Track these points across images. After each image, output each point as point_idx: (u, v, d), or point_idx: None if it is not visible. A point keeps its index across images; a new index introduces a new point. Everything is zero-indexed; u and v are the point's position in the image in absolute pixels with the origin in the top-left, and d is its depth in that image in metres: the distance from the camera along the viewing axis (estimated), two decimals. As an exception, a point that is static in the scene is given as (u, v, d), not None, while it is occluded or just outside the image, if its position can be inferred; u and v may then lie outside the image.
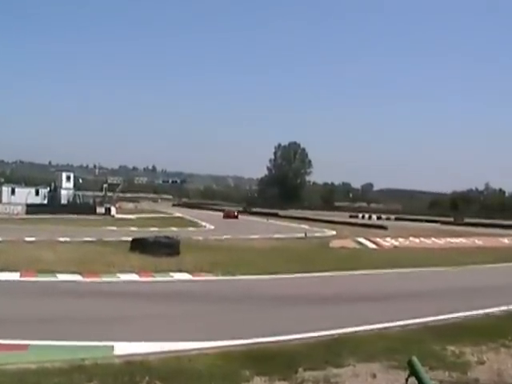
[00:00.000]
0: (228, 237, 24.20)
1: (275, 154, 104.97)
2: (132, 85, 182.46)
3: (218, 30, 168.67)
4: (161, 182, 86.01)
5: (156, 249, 15.28)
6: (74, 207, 41.64)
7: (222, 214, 52.55)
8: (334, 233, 30.16)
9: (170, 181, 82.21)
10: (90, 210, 41.96)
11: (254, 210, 73.43)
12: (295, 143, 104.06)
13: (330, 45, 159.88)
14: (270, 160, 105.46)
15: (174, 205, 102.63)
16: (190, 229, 30.32)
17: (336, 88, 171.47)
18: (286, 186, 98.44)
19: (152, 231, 22.57)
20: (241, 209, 77.67)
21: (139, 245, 15.81)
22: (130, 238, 17.34)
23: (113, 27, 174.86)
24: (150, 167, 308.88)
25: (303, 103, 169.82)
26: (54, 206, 41.33)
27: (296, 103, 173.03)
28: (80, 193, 48.24)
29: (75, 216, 37.47)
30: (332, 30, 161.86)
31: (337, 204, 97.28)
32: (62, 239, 18.98)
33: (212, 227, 33.24)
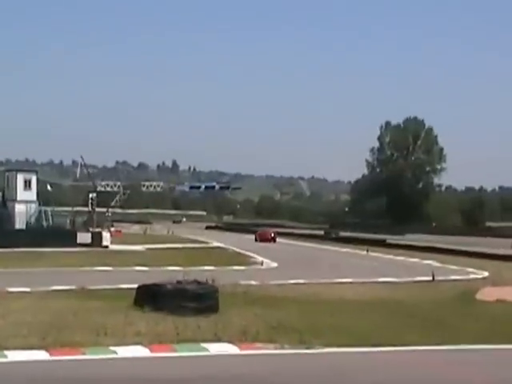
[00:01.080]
0: (301, 281, 24.44)
1: (380, 139, 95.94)
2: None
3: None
4: (187, 188, 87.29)
5: (178, 302, 15.36)
6: (37, 233, 42.72)
7: (290, 242, 57.79)
8: (484, 274, 29.91)
9: (203, 187, 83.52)
10: (66, 237, 42.86)
11: (344, 234, 73.32)
12: (416, 120, 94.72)
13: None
14: (372, 150, 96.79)
15: (208, 227, 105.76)
16: (237, 268, 31.14)
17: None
18: (399, 193, 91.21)
19: (171, 272, 22.64)
20: (321, 232, 77.65)
21: (150, 296, 15.89)
22: (134, 285, 17.52)
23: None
24: (169, 164, 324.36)
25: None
26: (1, 231, 42.92)
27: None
28: (49, 209, 48.91)
29: (40, 249, 38.35)
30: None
31: (489, 224, 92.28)
32: (16, 289, 19.67)
33: (274, 264, 34.08)
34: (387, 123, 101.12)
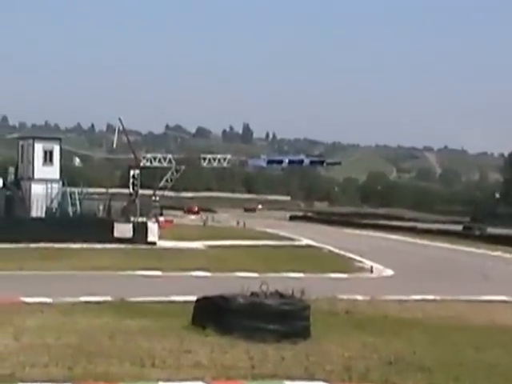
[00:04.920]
0: (429, 297, 24.23)
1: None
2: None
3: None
4: (263, 163, 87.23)
5: (253, 323, 15.53)
6: (61, 224, 44.59)
7: (407, 240, 57.17)
8: None
9: (287, 161, 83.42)
10: (98, 229, 44.59)
11: (493, 230, 71.70)
12: None
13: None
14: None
15: (293, 217, 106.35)
16: (335, 275, 31.34)
17: None
18: None
19: (243, 280, 22.63)
20: (459, 228, 75.97)
21: (214, 313, 16.06)
22: (192, 298, 17.78)
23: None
24: (238, 129, 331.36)
25: None
26: (13, 220, 44.87)
27: None
28: (76, 190, 50.77)
29: (64, 245, 39.72)
30: None
31: None
32: (33, 299, 20.14)
33: (388, 272, 34.16)
34: None
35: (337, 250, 45.03)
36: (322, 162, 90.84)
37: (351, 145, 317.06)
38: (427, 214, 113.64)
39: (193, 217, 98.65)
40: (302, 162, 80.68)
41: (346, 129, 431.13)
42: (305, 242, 53.47)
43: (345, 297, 22.57)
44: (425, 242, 60.13)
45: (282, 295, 16.70)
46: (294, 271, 29.99)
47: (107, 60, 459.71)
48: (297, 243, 52.41)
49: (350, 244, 50.13)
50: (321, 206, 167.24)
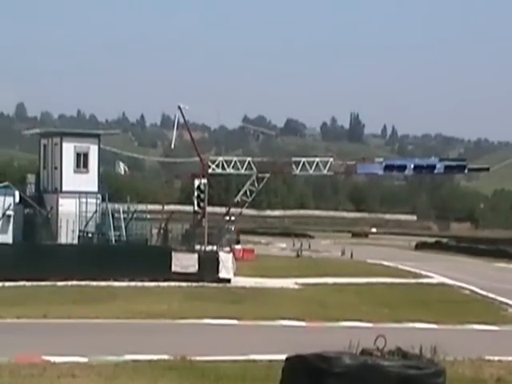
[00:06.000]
0: None
1: None
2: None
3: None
4: (379, 170, 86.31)
5: None
6: (99, 253, 45.29)
7: None
8: None
9: (412, 166, 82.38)
10: (151, 260, 45.12)
11: None
12: None
13: None
14: None
15: (421, 245, 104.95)
16: (479, 327, 31.14)
17: None
18: None
19: (350, 331, 22.68)
20: None
21: (311, 378, 15.91)
22: (280, 357, 17.68)
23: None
24: (343, 122, 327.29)
25: None
26: (35, 248, 45.34)
27: None
28: (121, 207, 52.79)
29: (104, 283, 40.70)
30: None
31: None
32: (61, 358, 20.49)
33: None
34: None
35: (483, 292, 44.41)
36: (462, 168, 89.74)
37: (503, 143, 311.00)
38: None
39: (282, 245, 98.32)
40: (433, 167, 79.60)
41: (495, 122, 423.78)
42: (437, 279, 53.01)
43: (495, 358, 22.38)
44: None
45: (405, 354, 16.63)
46: (421, 321, 29.91)
47: (163, 32, 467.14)
48: (426, 281, 51.96)
49: (502, 283, 49.35)
50: (460, 229, 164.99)
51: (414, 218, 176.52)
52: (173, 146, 72.89)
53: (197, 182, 59.65)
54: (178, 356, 20.77)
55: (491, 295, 42.94)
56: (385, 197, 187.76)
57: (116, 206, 50.79)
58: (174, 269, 44.79)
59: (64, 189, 49.00)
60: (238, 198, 65.97)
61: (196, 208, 59.27)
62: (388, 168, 77.47)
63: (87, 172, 49.58)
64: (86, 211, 48.66)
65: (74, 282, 39.86)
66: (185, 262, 45.43)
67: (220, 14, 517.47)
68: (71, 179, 48.96)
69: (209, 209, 60.41)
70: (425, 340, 18.99)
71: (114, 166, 68.22)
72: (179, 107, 64.57)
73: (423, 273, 57.08)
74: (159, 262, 44.62)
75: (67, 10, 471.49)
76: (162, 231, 52.55)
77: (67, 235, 47.27)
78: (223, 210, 71.68)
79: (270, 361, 19.11)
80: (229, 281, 44.51)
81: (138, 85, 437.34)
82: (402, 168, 79.02)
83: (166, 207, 66.41)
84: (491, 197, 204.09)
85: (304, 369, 16.48)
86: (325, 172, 70.07)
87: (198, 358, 20.78)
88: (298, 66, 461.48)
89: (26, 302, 32.88)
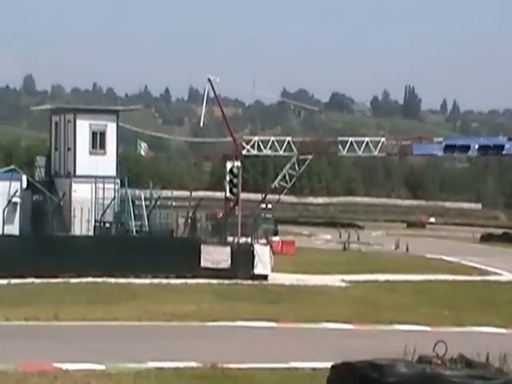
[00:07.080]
0: None
1: None
2: None
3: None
4: (438, 150, 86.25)
5: None
6: (118, 246, 45.96)
7: None
8: None
9: (476, 147, 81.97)
10: (177, 254, 45.41)
11: None
12: None
13: None
14: None
15: (487, 236, 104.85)
16: None
17: None
18: None
19: (405, 336, 22.66)
20: None
21: None
22: (325, 364, 17.83)
23: None
24: (396, 96, 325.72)
25: None
26: (45, 241, 46.14)
27: None
28: (142, 194, 53.05)
29: (124, 279, 41.38)
30: None
31: None
32: (75, 365, 20.61)
33: None
34: None
35: None
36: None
37: None
38: None
39: (327, 236, 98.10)
40: (501, 148, 79.29)
41: None
42: (507, 276, 52.94)
43: None
44: None
45: (469, 363, 16.61)
46: (488, 324, 29.84)
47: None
48: (493, 279, 51.89)
49: None
50: None
51: (479, 206, 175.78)
52: (202, 123, 73.28)
53: (229, 165, 59.69)
54: (208, 363, 20.87)
55: None
56: (445, 182, 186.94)
57: (137, 192, 50.86)
58: (203, 264, 44.99)
59: (78, 173, 49.13)
60: (275, 183, 65.97)
61: (228, 194, 59.49)
62: (449, 148, 77.05)
63: (104, 153, 49.66)
64: (103, 198, 48.73)
65: (90, 279, 40.00)
66: (216, 256, 45.52)
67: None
68: (86, 162, 48.99)
69: (243, 195, 60.53)
70: (492, 346, 18.98)
71: (134, 147, 68.08)
72: (209, 79, 64.78)
73: (490, 269, 56.82)
74: (186, 256, 44.87)
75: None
76: (189, 221, 52.52)
77: (81, 225, 47.38)
78: (259, 196, 71.70)
79: (314, 369, 19.15)
80: (266, 277, 44.62)
81: (161, 54, 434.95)
82: (465, 148, 78.61)
83: (194, 193, 66.51)
84: None
85: (352, 378, 16.47)
86: (376, 153, 69.91)
87: (230, 366, 20.89)
88: (345, 34, 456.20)
89: (35, 301, 33.06)
